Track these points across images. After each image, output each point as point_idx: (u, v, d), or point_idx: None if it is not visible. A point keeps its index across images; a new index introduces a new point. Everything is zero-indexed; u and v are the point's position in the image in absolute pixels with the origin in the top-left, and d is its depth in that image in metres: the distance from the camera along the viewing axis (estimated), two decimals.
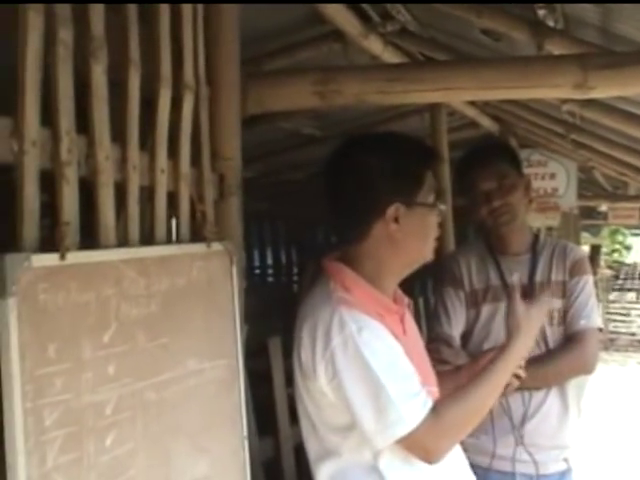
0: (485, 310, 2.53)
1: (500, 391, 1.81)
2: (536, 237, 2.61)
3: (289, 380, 1.81)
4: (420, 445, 1.68)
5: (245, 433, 2.17)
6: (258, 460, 3.00)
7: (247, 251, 9.39)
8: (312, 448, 1.84)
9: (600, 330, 2.55)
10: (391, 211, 1.74)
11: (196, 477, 1.91)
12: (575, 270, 2.51)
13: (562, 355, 2.44)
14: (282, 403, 3.28)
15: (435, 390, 1.88)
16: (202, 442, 1.95)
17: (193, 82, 2.10)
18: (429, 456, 1.71)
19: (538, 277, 2.50)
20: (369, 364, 1.64)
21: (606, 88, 2.31)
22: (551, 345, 2.46)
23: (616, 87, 2.34)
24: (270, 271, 10.21)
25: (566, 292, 2.49)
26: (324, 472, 1.80)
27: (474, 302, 2.55)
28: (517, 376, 2.07)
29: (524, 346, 1.85)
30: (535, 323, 1.88)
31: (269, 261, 10.14)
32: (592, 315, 2.49)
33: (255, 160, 6.33)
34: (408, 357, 1.75)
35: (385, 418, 1.64)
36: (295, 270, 10.00)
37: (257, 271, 9.98)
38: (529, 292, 2.43)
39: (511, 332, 1.84)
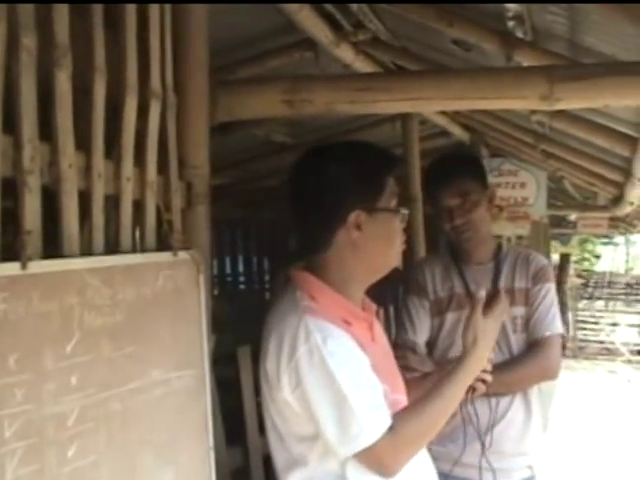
0: (449, 318, 2.55)
1: (456, 404, 1.81)
2: (499, 246, 2.63)
3: (259, 389, 1.81)
4: (377, 460, 1.69)
5: (211, 444, 2.15)
6: (227, 470, 2.98)
7: (219, 258, 9.31)
8: (279, 458, 1.83)
9: (563, 337, 2.58)
10: (352, 218, 1.75)
11: None
12: (537, 278, 2.54)
13: (526, 362, 2.47)
14: (251, 412, 3.27)
15: (403, 398, 1.89)
16: (168, 453, 1.93)
17: (160, 89, 2.08)
18: (385, 471, 1.71)
19: (501, 285, 2.52)
20: (333, 375, 1.64)
21: (572, 100, 2.33)
22: (515, 352, 2.49)
23: (582, 99, 2.36)
24: (242, 278, 10.17)
25: (529, 300, 2.53)
26: None
27: (438, 310, 2.57)
28: (483, 381, 2.08)
29: (480, 359, 1.85)
30: (491, 336, 1.87)
31: (241, 268, 10.10)
32: (554, 322, 2.53)
33: (228, 167, 6.31)
34: (376, 365, 1.76)
35: (347, 430, 1.64)
36: (267, 278, 9.97)
37: (229, 278, 9.93)
38: (493, 300, 2.45)
39: (467, 346, 1.83)
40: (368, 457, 1.67)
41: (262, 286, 9.87)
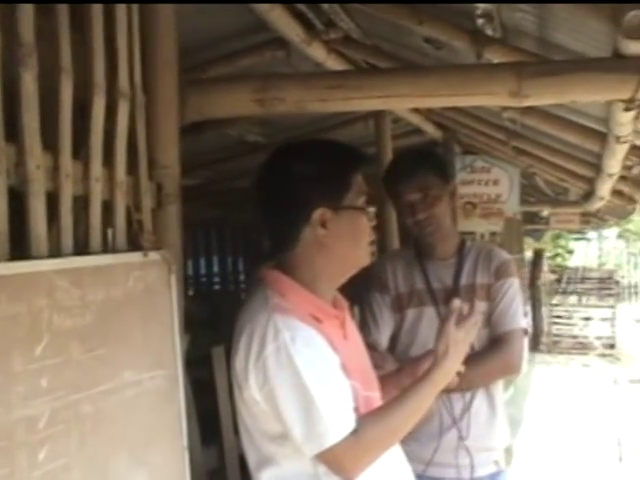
0: (410, 314, 2.55)
1: (422, 413, 1.79)
2: (463, 242, 2.63)
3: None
4: (337, 462, 1.68)
5: (185, 444, 2.14)
6: (203, 470, 2.97)
7: (193, 259, 9.27)
8: (251, 457, 1.82)
9: (525, 332, 2.59)
10: (317, 215, 1.74)
11: None
12: (500, 273, 2.54)
13: (488, 357, 2.47)
14: (226, 412, 3.25)
15: (376, 396, 1.89)
16: (141, 454, 1.92)
17: (128, 89, 2.07)
18: (345, 474, 1.71)
19: (463, 281, 2.53)
20: (300, 373, 1.64)
21: (541, 96, 2.35)
22: (477, 347, 2.48)
23: (550, 95, 2.38)
24: (216, 279, 10.15)
25: (491, 295, 2.53)
26: None
27: (399, 306, 2.57)
28: (457, 373, 2.09)
29: (450, 370, 1.83)
30: (462, 347, 1.85)
31: (215, 269, 10.08)
32: (516, 317, 2.53)
33: (201, 167, 6.28)
34: (347, 363, 1.75)
35: (313, 428, 1.64)
36: (242, 278, 9.95)
37: (203, 279, 9.90)
38: (454, 296, 2.47)
39: (439, 356, 1.81)
40: (328, 458, 1.67)
41: (237, 286, 9.86)
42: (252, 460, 1.82)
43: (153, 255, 2.06)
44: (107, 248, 1.95)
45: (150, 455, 1.97)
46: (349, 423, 1.67)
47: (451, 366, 1.82)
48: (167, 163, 2.25)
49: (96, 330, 1.76)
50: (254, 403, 1.72)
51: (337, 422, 1.65)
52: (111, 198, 1.98)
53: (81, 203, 1.87)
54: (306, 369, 1.64)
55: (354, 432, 1.66)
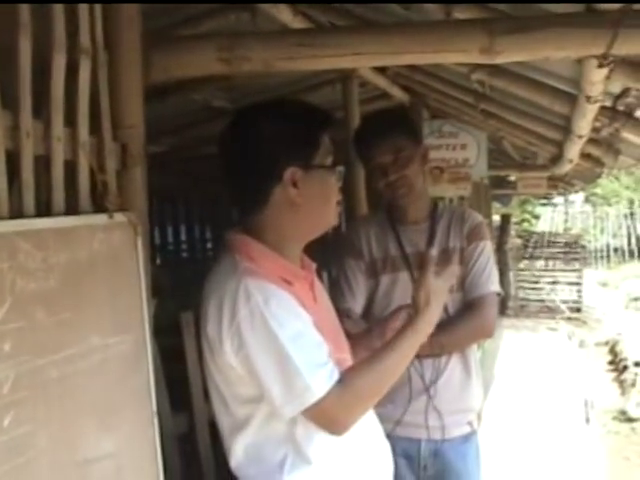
0: (384, 280, 2.53)
1: (407, 364, 1.80)
2: (435, 205, 2.61)
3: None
4: (327, 415, 1.67)
5: (154, 409, 2.11)
6: (172, 436, 2.96)
7: (160, 227, 9.19)
8: (224, 423, 1.81)
9: (499, 295, 2.58)
10: (288, 175, 1.73)
11: (103, 456, 1.85)
12: (472, 236, 2.53)
13: (462, 322, 2.47)
14: (196, 378, 3.23)
15: (347, 357, 1.88)
16: (108, 420, 1.89)
17: (90, 46, 2.00)
18: (335, 426, 1.70)
19: (436, 245, 2.51)
20: (276, 334, 1.62)
21: (512, 53, 2.31)
22: (451, 312, 2.47)
23: (522, 52, 2.35)
24: (184, 247, 10.09)
25: (464, 259, 2.52)
26: (238, 446, 1.78)
27: (374, 272, 2.55)
28: (430, 336, 2.09)
29: (432, 320, 1.83)
30: (442, 297, 1.86)
31: (183, 237, 10.01)
32: (490, 280, 2.52)
33: (167, 134, 6.18)
34: (318, 325, 1.74)
35: (292, 388, 1.63)
36: (210, 245, 9.91)
37: (171, 247, 9.83)
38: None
39: (420, 305, 1.81)
40: (317, 413, 1.65)
41: (205, 254, 9.82)
42: (225, 426, 1.81)
43: (118, 217, 2.02)
44: (71, 210, 1.90)
45: (118, 421, 1.94)
46: (332, 376, 1.65)
47: (433, 315, 1.82)
48: (132, 123, 2.19)
49: (60, 293, 1.72)
50: (230, 369, 1.70)
51: (317, 379, 1.63)
52: (74, 158, 1.92)
53: (43, 163, 1.82)
54: (281, 330, 1.63)
55: (339, 383, 1.65)
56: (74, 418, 1.75)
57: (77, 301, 1.79)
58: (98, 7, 2.06)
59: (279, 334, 1.62)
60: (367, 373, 1.71)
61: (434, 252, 1.86)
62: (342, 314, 2.39)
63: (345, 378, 1.67)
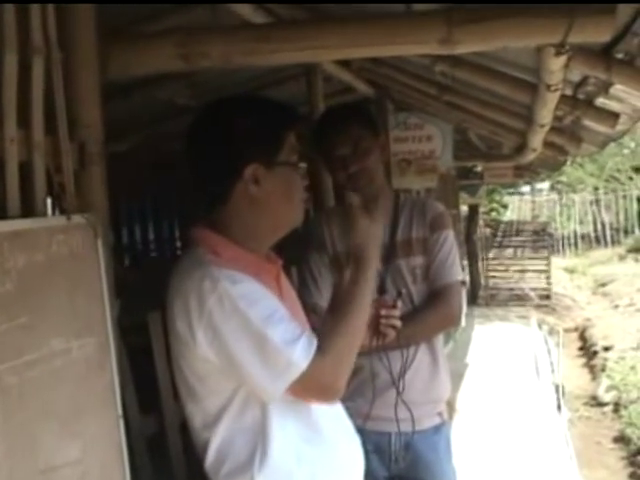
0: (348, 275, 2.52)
1: (367, 314, 1.79)
2: (397, 196, 2.61)
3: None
4: (316, 383, 1.66)
5: (120, 412, 2.08)
6: (141, 437, 2.93)
7: (128, 226, 9.07)
8: (196, 420, 1.78)
9: (463, 283, 2.58)
10: (249, 171, 1.71)
11: (67, 462, 1.82)
12: (435, 226, 2.53)
13: (428, 312, 2.47)
14: (165, 378, 3.20)
15: None
16: (72, 425, 1.86)
17: (43, 45, 1.96)
18: (327, 392, 1.69)
19: (399, 236, 2.51)
20: (248, 316, 1.60)
21: (471, 42, 2.32)
22: (416, 302, 2.47)
23: (481, 42, 2.35)
24: (153, 246, 10.01)
25: (427, 248, 2.51)
26: (210, 444, 1.75)
27: (338, 266, 2.53)
28: (393, 326, 2.09)
29: (375, 260, 1.82)
30: (377, 240, 1.86)
31: (151, 236, 9.93)
32: (453, 269, 2.52)
33: (130, 132, 6.12)
34: None
35: (274, 366, 1.61)
36: (178, 244, 9.84)
37: (140, 246, 9.74)
38: (391, 252, 2.44)
39: (360, 251, 1.80)
40: (306, 384, 1.64)
41: (174, 252, 9.74)
42: (197, 423, 1.77)
43: (77, 218, 1.98)
44: (27, 212, 1.86)
45: (83, 425, 1.91)
46: (311, 344, 1.64)
47: (375, 256, 1.82)
48: (89, 122, 2.16)
49: (18, 298, 1.69)
50: (204, 362, 1.67)
51: (297, 352, 1.61)
52: (29, 160, 1.89)
53: None
54: (252, 310, 1.61)
55: (318, 349, 1.63)
56: (35, 424, 1.72)
57: (36, 305, 1.76)
58: (51, 5, 2.02)
59: (251, 315, 1.61)
60: (339, 330, 1.69)
61: (356, 198, 1.86)
62: (308, 309, 2.38)
63: (322, 343, 1.66)
